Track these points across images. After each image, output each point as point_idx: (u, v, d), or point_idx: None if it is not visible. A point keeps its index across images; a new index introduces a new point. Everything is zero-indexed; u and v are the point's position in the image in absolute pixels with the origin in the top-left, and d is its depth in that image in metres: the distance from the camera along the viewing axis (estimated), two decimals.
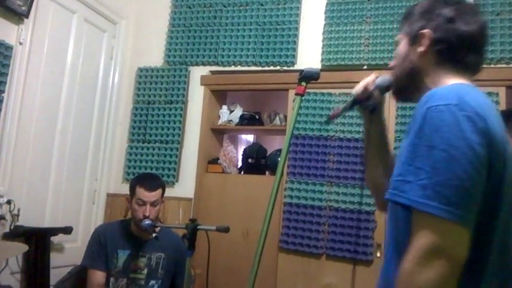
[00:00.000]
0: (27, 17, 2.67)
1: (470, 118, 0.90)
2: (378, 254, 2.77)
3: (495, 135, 0.92)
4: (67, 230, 2.84)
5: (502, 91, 2.71)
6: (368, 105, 1.28)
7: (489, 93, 2.71)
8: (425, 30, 1.09)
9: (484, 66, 2.84)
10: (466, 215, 0.87)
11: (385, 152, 1.31)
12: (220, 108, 3.47)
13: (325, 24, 3.17)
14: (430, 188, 0.87)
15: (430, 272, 0.84)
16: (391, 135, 2.87)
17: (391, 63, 1.22)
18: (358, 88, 1.27)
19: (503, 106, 2.68)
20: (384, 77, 1.26)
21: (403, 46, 1.16)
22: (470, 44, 1.07)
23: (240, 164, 3.41)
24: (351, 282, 2.80)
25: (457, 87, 1.01)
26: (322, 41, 3.15)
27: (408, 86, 1.15)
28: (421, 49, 1.10)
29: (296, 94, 1.45)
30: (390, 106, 2.91)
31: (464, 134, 0.88)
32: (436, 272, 0.84)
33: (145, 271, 2.22)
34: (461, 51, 1.07)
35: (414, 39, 1.12)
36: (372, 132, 1.32)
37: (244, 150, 3.39)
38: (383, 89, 1.27)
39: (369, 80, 1.27)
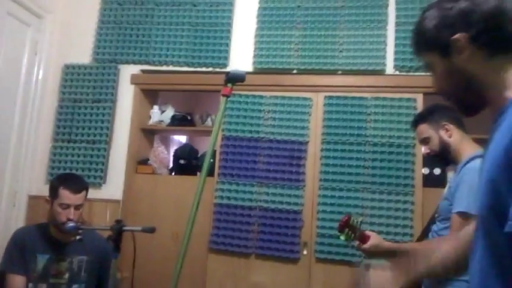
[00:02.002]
0: None
1: None
2: (305, 252, 2.86)
3: None
4: None
5: (419, 97, 2.91)
6: None
7: (407, 100, 2.90)
8: (456, 35, 0.95)
9: (403, 74, 3.01)
10: None
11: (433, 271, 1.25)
12: (151, 108, 3.42)
13: (257, 28, 3.23)
14: None
15: None
16: (318, 140, 2.98)
17: (439, 90, 1.06)
18: None
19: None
20: None
21: (441, 66, 1.01)
22: (501, 16, 0.93)
23: (171, 165, 3.37)
24: (279, 279, 2.87)
25: None
26: (254, 44, 3.21)
27: (472, 99, 1.00)
28: (464, 54, 0.96)
29: (222, 95, 1.48)
30: (318, 108, 3.02)
31: None
32: None
33: (67, 275, 2.14)
34: (500, 29, 0.93)
35: (446, 50, 0.98)
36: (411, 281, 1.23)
37: (176, 151, 3.37)
38: None
39: None
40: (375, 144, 2.91)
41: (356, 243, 1.93)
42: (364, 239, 1.90)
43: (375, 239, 1.90)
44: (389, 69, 3.01)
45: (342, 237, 1.92)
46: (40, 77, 3.37)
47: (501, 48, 0.93)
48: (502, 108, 0.89)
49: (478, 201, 0.89)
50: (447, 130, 1.93)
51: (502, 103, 0.90)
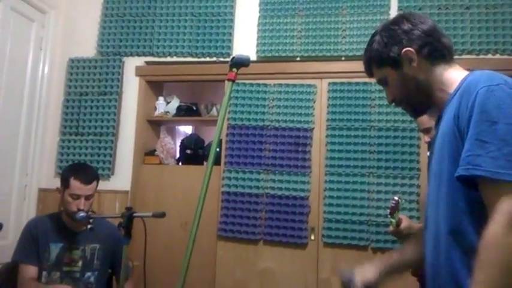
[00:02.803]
0: None
1: None
2: (312, 237, 2.89)
3: None
4: None
5: None
6: None
7: None
8: (405, 49, 1.20)
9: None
10: None
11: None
12: (157, 99, 3.45)
13: (259, 16, 3.24)
14: (502, 159, 0.97)
15: None
16: (323, 127, 3.00)
17: (392, 99, 1.28)
18: None
19: None
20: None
21: (394, 77, 1.24)
22: (435, 32, 1.21)
23: (177, 155, 3.41)
24: (287, 265, 2.91)
25: (488, 71, 1.10)
26: (257, 33, 3.22)
27: (422, 100, 1.24)
28: (414, 64, 1.20)
29: (228, 80, 1.49)
30: (322, 95, 3.04)
31: None
32: None
33: (80, 263, 2.18)
34: (438, 42, 1.20)
35: (397, 63, 1.22)
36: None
37: (182, 141, 3.40)
38: None
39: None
40: (380, 129, 2.92)
41: (392, 227, 1.95)
42: (399, 221, 1.93)
43: (406, 221, 1.93)
44: None
45: (394, 221, 1.92)
46: (46, 71, 3.40)
47: (440, 56, 1.20)
48: (445, 102, 1.16)
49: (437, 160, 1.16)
50: None
51: (446, 98, 1.17)
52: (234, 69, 1.49)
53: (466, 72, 1.18)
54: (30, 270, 2.14)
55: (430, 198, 1.21)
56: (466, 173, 1.01)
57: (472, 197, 1.04)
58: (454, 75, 1.18)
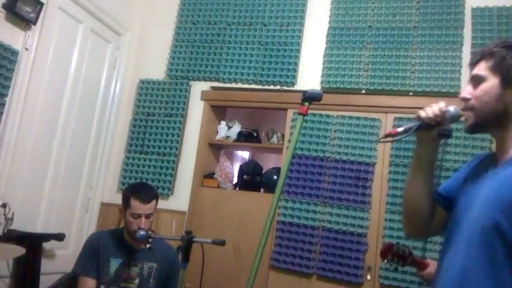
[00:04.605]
0: (34, 24, 2.72)
1: None
2: (369, 277, 2.78)
3: None
4: (59, 237, 2.83)
5: None
6: (445, 130, 1.27)
7: None
8: None
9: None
10: None
11: (433, 177, 1.34)
12: (219, 123, 3.51)
13: (326, 48, 3.24)
14: None
15: None
16: (386, 162, 2.92)
17: (466, 95, 1.25)
18: (430, 112, 1.27)
19: None
20: (455, 106, 1.28)
21: (493, 87, 1.21)
22: None
23: (235, 180, 3.43)
24: None
25: None
26: (323, 64, 3.22)
27: (492, 123, 1.22)
28: None
29: (299, 114, 1.50)
30: (387, 129, 2.96)
31: None
32: None
33: (137, 281, 2.22)
34: None
35: (509, 84, 1.19)
36: (425, 158, 1.33)
37: (241, 167, 3.42)
38: (455, 118, 1.28)
39: (441, 106, 1.28)
40: (447, 169, 2.80)
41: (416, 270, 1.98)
42: (421, 266, 1.93)
43: (432, 267, 1.88)
44: None
45: (385, 264, 2.02)
46: (117, 91, 3.57)
47: None
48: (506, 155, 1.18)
49: (479, 211, 1.12)
50: None
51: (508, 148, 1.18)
52: (306, 104, 1.50)
53: None
54: (88, 283, 2.20)
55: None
56: None
57: None
58: None
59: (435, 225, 1.36)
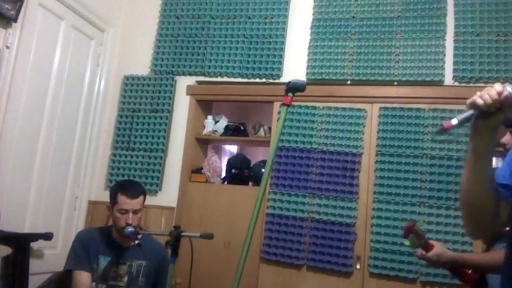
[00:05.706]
0: (15, 21, 2.67)
1: None
2: (358, 266, 2.81)
3: None
4: (47, 236, 2.81)
5: None
6: (509, 118, 1.12)
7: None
8: None
9: (463, 85, 2.90)
10: None
11: (493, 170, 1.20)
12: (206, 118, 3.50)
13: (310, 39, 3.24)
14: None
15: None
16: (373, 152, 2.94)
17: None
18: (487, 98, 1.09)
19: None
20: None
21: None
22: None
23: (223, 174, 3.42)
24: None
25: None
26: (308, 55, 3.22)
27: None
28: None
29: (283, 104, 1.49)
30: (373, 119, 2.98)
31: None
32: None
33: (126, 279, 2.20)
34: None
35: None
36: (484, 150, 1.16)
37: (228, 161, 3.42)
38: None
39: (497, 88, 1.08)
40: (432, 157, 2.82)
41: (419, 251, 1.93)
42: (428, 247, 1.90)
43: (438, 249, 1.88)
44: (448, 80, 2.92)
45: (407, 243, 1.92)
46: (102, 87, 3.54)
47: None
48: None
49: None
50: None
51: None
52: (290, 94, 1.49)
53: None
54: (84, 276, 2.16)
55: None
56: None
57: None
58: None
59: (503, 218, 1.19)
